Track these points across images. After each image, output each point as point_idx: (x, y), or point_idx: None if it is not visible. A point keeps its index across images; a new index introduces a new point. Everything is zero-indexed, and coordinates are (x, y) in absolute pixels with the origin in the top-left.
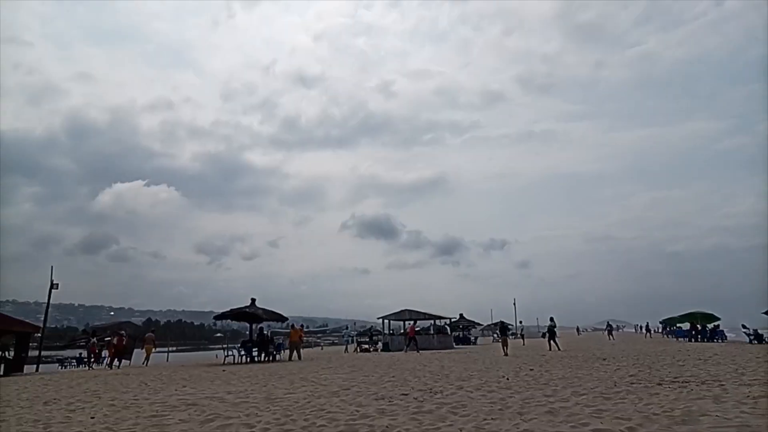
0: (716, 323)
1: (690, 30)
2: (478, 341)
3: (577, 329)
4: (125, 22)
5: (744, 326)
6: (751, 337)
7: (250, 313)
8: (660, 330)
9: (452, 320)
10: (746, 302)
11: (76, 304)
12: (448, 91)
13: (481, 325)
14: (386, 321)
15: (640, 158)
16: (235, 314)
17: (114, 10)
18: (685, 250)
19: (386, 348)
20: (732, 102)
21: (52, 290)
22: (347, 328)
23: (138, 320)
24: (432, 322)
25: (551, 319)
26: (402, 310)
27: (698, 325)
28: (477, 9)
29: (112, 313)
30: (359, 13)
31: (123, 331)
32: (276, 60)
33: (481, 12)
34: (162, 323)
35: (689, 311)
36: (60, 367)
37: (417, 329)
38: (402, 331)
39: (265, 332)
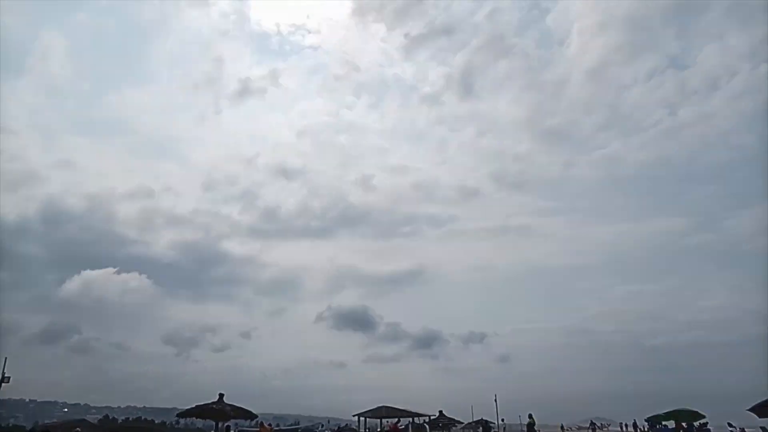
0: (703, 421)
1: (648, 136)
2: None
3: (562, 427)
4: (113, 115)
5: (730, 425)
6: None
7: (216, 410)
8: (646, 429)
9: (431, 417)
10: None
11: (27, 400)
12: (426, 186)
13: (462, 422)
14: (362, 418)
15: (613, 252)
16: (201, 411)
17: (104, 104)
18: (663, 344)
19: None
20: (695, 201)
21: (2, 384)
22: (321, 426)
23: (94, 418)
24: (410, 419)
25: (530, 416)
26: (379, 407)
27: (684, 424)
28: (452, 112)
29: (66, 410)
30: (341, 112)
31: (78, 428)
32: (259, 153)
33: (456, 115)
34: (120, 421)
35: (673, 408)
36: None
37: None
38: (379, 429)
39: (232, 431)
